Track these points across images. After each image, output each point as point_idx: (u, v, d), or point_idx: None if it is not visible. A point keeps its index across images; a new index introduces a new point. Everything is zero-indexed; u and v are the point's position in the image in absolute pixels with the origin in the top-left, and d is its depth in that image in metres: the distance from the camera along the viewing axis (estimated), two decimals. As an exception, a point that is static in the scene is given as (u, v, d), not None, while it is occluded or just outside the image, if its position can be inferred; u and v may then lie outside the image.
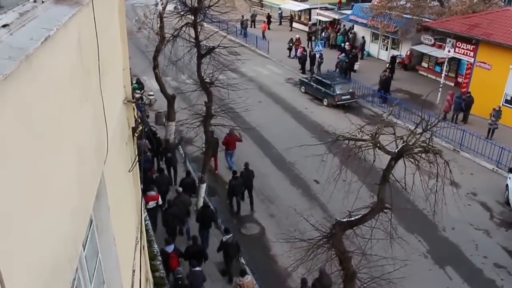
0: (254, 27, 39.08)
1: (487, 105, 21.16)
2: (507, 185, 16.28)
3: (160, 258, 12.00)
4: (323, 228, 9.24)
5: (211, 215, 13.91)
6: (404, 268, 10.72)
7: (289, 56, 32.71)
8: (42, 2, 3.30)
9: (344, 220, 9.04)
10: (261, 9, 45.19)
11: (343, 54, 30.04)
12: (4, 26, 2.53)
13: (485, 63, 22.52)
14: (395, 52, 31.06)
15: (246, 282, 11.32)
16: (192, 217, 14.32)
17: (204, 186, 15.25)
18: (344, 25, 36.13)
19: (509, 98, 21.73)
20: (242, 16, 38.30)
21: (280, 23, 42.66)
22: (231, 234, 12.65)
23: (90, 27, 4.05)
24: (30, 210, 2.49)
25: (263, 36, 35.82)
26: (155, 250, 12.27)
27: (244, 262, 13.11)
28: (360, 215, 8.87)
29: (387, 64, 29.03)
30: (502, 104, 21.59)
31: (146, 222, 11.35)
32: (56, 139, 3.06)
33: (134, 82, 19.64)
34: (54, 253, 2.89)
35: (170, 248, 11.99)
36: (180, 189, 14.34)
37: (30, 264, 2.46)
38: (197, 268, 11.59)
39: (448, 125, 19.08)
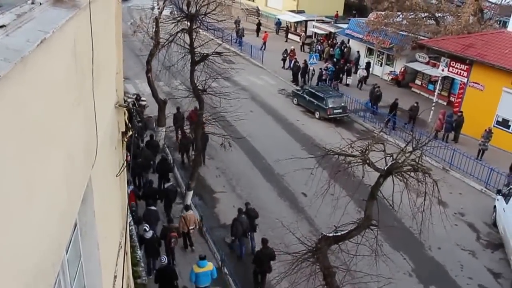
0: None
1: (478, 126, 21.43)
2: (495, 206, 16.37)
3: (142, 264, 11.96)
4: (309, 241, 9.24)
5: (168, 167, 16.77)
6: (388, 286, 10.71)
7: (283, 67, 32.86)
8: (40, 4, 3.28)
9: (330, 235, 9.06)
10: (257, 18, 45.43)
11: (330, 65, 30.35)
12: (1, 27, 2.52)
13: (478, 83, 22.78)
14: (385, 68, 31.41)
15: (189, 215, 13.66)
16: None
17: (191, 193, 15.18)
18: (336, 40, 36.54)
19: (500, 119, 21.97)
20: (239, 24, 38.48)
21: (277, 33, 43.01)
22: (172, 183, 15.58)
23: (86, 31, 4.03)
24: (16, 212, 2.47)
25: (264, 46, 35.82)
26: (138, 256, 12.20)
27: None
28: (347, 231, 8.90)
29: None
30: (493, 126, 21.81)
31: (130, 228, 11.27)
32: (47, 141, 3.04)
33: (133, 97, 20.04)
34: (38, 256, 2.87)
35: (129, 188, 13.29)
36: (144, 145, 17.30)
37: (13, 267, 2.43)
38: (152, 207, 13.81)
39: (439, 144, 19.27)
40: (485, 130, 20.27)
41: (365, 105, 25.23)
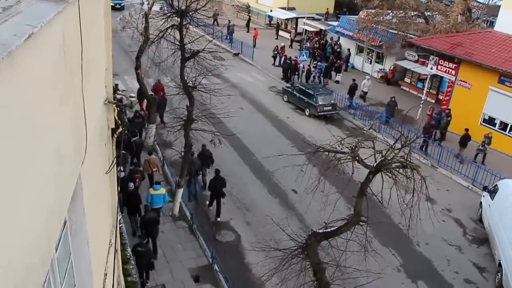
0: (217, 25, 39.00)
1: (465, 123, 21.68)
2: (480, 202, 16.65)
3: (132, 262, 11.93)
4: (299, 238, 9.27)
5: (140, 126, 19.04)
6: (377, 281, 10.83)
7: (274, 64, 32.86)
8: (27, -3, 3.23)
9: (320, 231, 9.09)
10: (248, 15, 45.40)
11: (320, 62, 30.29)
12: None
13: (465, 82, 23.03)
14: (375, 65, 31.57)
15: (152, 159, 16.13)
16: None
17: (181, 191, 15.13)
18: (326, 37, 36.64)
19: (487, 117, 22.26)
20: (229, 21, 38.33)
21: (270, 24, 43.59)
22: (138, 137, 17.79)
23: (75, 26, 3.98)
24: (3, 209, 2.43)
25: (254, 44, 35.72)
26: (128, 254, 12.14)
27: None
28: (336, 227, 8.94)
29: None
30: (480, 123, 22.13)
31: (120, 225, 11.23)
32: (35, 138, 2.99)
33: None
34: (27, 254, 2.83)
35: None
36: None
37: (1, 265, 2.40)
38: (123, 151, 15.58)
39: (430, 142, 19.47)
40: (485, 135, 20.13)
41: (381, 117, 23.63)
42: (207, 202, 15.81)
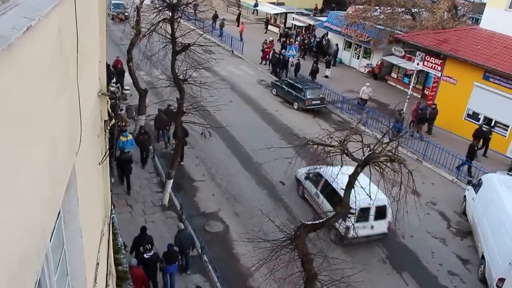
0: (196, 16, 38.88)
1: (451, 118, 22.06)
2: (465, 196, 16.96)
3: (123, 252, 12.02)
4: (287, 229, 9.42)
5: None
6: (363, 272, 11.04)
7: (262, 58, 32.86)
8: (23, -10, 3.27)
9: (309, 222, 9.25)
10: (238, 10, 45.37)
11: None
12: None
13: (451, 77, 23.36)
14: (362, 61, 31.79)
15: (123, 114, 17.98)
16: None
17: (171, 182, 15.21)
18: (315, 32, 36.78)
19: (471, 112, 22.65)
20: (215, 11, 38.24)
21: (256, 14, 44.20)
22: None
23: (70, 18, 4.03)
24: (0, 200, 2.49)
25: (241, 37, 35.74)
26: (119, 243, 12.23)
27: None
28: (325, 218, 9.10)
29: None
30: (464, 118, 22.52)
31: (112, 216, 11.28)
32: (31, 129, 3.03)
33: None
34: (23, 244, 2.86)
35: None
36: None
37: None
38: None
39: (415, 137, 19.74)
40: None
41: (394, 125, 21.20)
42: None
